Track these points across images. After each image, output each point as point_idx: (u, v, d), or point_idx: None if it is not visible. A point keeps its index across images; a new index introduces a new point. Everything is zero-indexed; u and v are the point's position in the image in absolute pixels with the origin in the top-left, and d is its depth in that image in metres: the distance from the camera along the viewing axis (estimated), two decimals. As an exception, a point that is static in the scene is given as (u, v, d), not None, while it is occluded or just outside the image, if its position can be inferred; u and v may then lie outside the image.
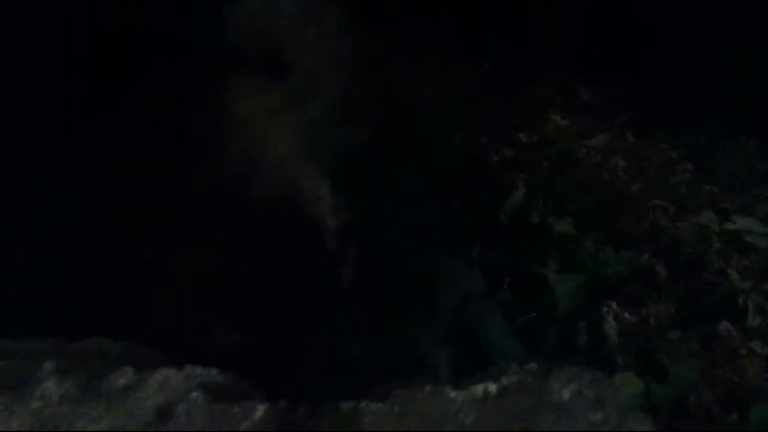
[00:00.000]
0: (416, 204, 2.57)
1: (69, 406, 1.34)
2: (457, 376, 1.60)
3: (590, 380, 1.59)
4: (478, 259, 2.93)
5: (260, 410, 1.37)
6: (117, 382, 1.40)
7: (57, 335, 1.56)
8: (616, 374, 2.19)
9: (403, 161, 2.72)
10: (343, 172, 2.16)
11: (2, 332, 1.66)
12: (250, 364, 1.52)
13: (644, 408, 1.82)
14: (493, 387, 1.53)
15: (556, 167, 3.60)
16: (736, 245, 3.11)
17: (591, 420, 1.47)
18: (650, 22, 3.99)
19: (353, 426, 1.39)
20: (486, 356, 2.17)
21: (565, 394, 1.54)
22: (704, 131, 3.73)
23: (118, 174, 2.09)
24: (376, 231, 2.18)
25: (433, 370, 1.86)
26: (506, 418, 1.47)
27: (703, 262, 2.95)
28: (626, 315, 2.65)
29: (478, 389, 1.53)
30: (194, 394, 1.41)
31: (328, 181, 2.11)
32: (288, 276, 1.79)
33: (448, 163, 3.23)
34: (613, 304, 2.69)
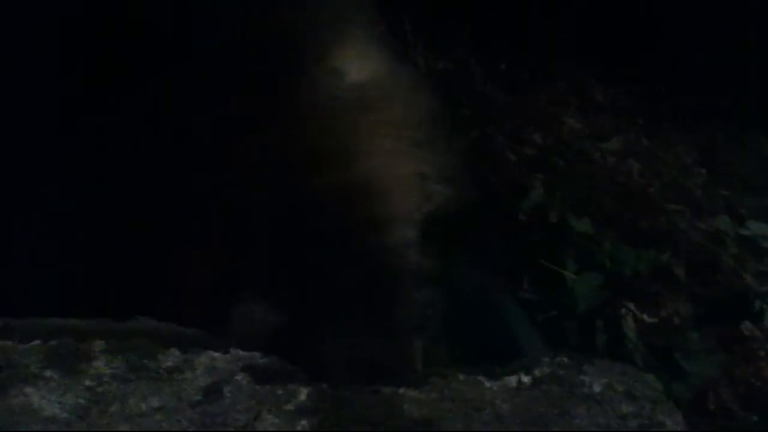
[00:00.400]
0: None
1: (120, 384, 1.38)
2: (490, 367, 1.64)
3: (620, 374, 1.62)
4: (498, 258, 2.97)
5: (303, 392, 1.41)
6: (165, 363, 1.44)
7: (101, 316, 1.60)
8: (637, 373, 2.24)
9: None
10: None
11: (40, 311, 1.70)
12: (291, 348, 1.56)
13: (672, 405, 1.85)
14: (526, 378, 1.56)
15: (573, 168, 3.63)
16: (752, 250, 3.14)
17: (623, 411, 1.50)
18: (664, 20, 4.01)
19: (394, 410, 1.43)
20: (510, 352, 2.19)
21: (597, 387, 1.57)
22: (721, 131, 3.76)
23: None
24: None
25: (461, 361, 1.89)
26: (541, 406, 1.50)
27: (719, 265, 2.99)
28: (645, 316, 2.69)
29: (512, 379, 1.56)
30: (239, 376, 1.44)
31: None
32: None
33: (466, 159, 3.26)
34: (632, 304, 2.73)
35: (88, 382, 1.37)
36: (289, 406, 1.39)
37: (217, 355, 1.46)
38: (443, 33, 4.21)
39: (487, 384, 1.59)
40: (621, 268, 2.89)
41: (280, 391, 1.41)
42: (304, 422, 1.38)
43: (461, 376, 1.62)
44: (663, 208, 3.27)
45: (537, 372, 1.63)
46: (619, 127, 4.10)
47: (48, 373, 1.44)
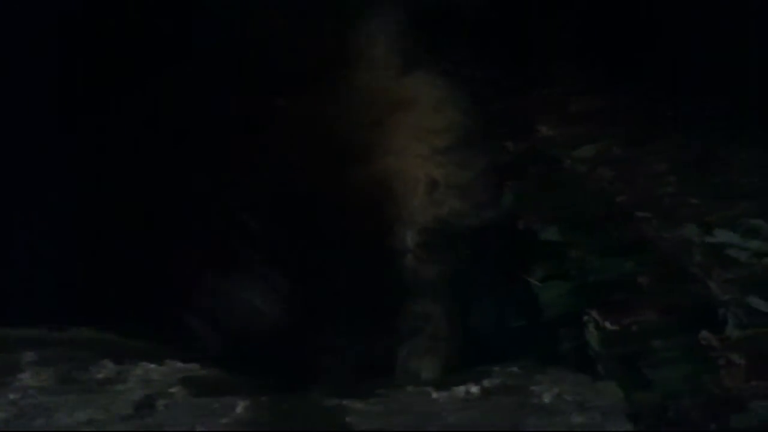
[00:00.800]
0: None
1: (47, 397, 1.33)
2: (440, 378, 1.60)
3: (572, 384, 1.59)
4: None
5: (241, 405, 1.36)
6: (97, 374, 1.39)
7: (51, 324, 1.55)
8: (598, 381, 2.22)
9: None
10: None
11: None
12: (236, 358, 1.51)
13: (626, 415, 1.83)
14: (475, 388, 1.53)
15: (544, 176, 3.62)
16: (718, 258, 3.13)
17: (573, 422, 1.47)
18: (643, 30, 4.02)
19: (337, 423, 1.39)
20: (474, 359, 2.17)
21: (547, 397, 1.54)
22: (696, 142, 3.76)
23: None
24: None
25: (416, 371, 1.86)
26: (488, 418, 1.47)
27: (685, 273, 2.98)
28: (607, 324, 2.67)
29: (461, 390, 1.53)
30: (175, 388, 1.39)
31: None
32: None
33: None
34: (594, 312, 2.71)
35: (12, 396, 1.31)
36: (225, 420, 1.35)
37: (152, 366, 1.41)
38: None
39: (435, 395, 1.56)
40: (587, 277, 2.87)
41: (216, 404, 1.36)
42: (239, 437, 1.34)
43: (409, 388, 1.59)
44: (631, 217, 3.26)
45: (486, 383, 1.60)
46: (592, 136, 4.10)
47: (-30, 386, 1.38)
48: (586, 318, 2.64)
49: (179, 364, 1.43)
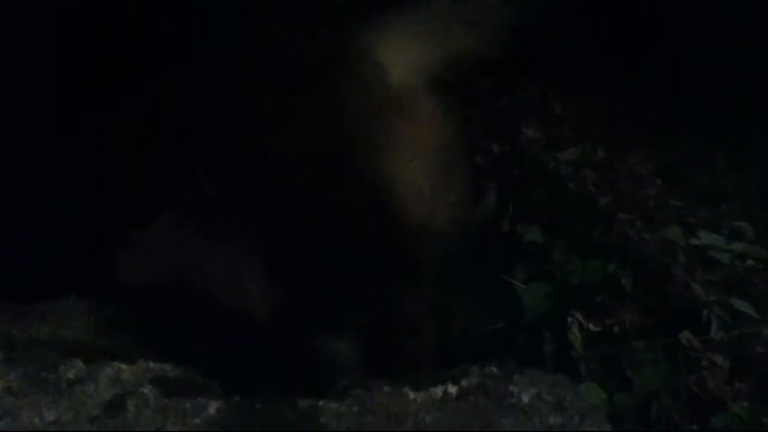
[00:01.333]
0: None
1: (13, 398, 1.30)
2: (416, 378, 1.58)
3: (551, 385, 1.58)
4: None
5: (213, 406, 1.34)
6: (65, 374, 1.36)
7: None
8: (580, 382, 2.21)
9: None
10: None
11: None
12: (207, 358, 1.49)
13: (607, 416, 1.82)
14: (452, 388, 1.51)
15: (527, 178, 3.62)
16: (701, 260, 3.14)
17: (550, 423, 1.46)
18: (629, 33, 4.03)
19: (311, 424, 1.37)
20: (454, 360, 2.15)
21: (525, 397, 1.53)
22: (681, 144, 3.77)
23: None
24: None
25: (393, 371, 1.84)
26: (465, 418, 1.45)
27: (668, 275, 2.98)
28: (590, 325, 2.67)
29: (438, 390, 1.51)
30: (146, 388, 1.37)
31: None
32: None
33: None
34: (578, 314, 2.70)
35: (-22, 396, 1.29)
36: (197, 420, 1.32)
37: (123, 366, 1.38)
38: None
39: (412, 395, 1.54)
40: (569, 278, 2.87)
41: (188, 404, 1.33)
42: (210, 437, 1.32)
43: (386, 388, 1.57)
44: (614, 219, 3.26)
45: (464, 383, 1.59)
46: (576, 138, 4.10)
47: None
48: (570, 319, 2.64)
49: (151, 364, 1.41)
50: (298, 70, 2.04)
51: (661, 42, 3.88)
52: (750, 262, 3.02)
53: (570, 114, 4.23)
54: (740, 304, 2.76)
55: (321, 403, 1.45)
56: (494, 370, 1.59)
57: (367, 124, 2.05)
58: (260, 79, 2.07)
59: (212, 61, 2.12)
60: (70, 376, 1.38)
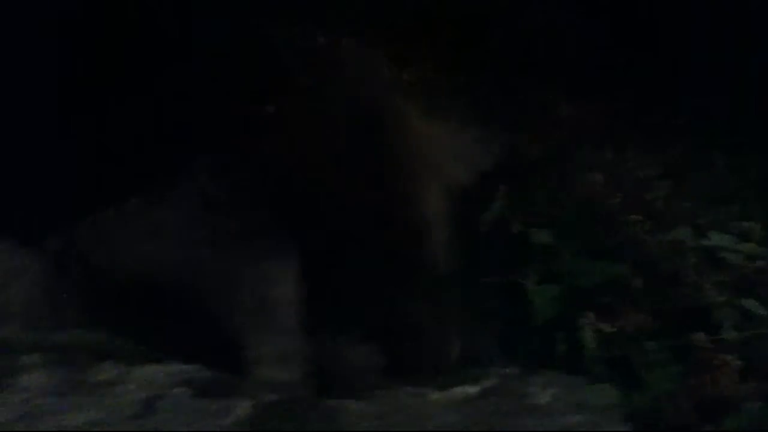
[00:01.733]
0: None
1: (53, 398, 1.34)
2: (437, 379, 1.62)
3: (568, 385, 1.61)
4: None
5: (242, 407, 1.38)
6: (99, 376, 1.40)
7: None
8: (593, 383, 2.24)
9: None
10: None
11: None
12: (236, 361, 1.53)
13: (622, 415, 1.85)
14: (473, 389, 1.54)
15: (536, 180, 3.64)
16: (711, 261, 3.16)
17: (569, 422, 1.49)
18: (631, 37, 4.04)
19: (338, 424, 1.40)
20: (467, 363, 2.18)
21: (544, 398, 1.56)
22: (689, 145, 3.78)
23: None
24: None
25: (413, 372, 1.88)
26: (486, 418, 1.49)
27: (678, 276, 3.00)
28: (602, 326, 2.69)
29: (458, 391, 1.54)
30: (177, 390, 1.41)
31: None
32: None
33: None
34: (591, 315, 2.72)
35: (21, 396, 1.32)
36: (227, 420, 1.36)
37: (154, 368, 1.42)
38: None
39: (434, 396, 1.57)
40: (580, 279, 2.89)
41: (218, 405, 1.37)
42: (240, 437, 1.35)
43: (409, 388, 1.60)
44: (623, 220, 3.28)
45: (485, 383, 1.62)
46: (583, 140, 4.11)
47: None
48: (581, 321, 2.66)
49: (181, 366, 1.44)
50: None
51: (661, 42, 3.90)
52: (759, 262, 3.03)
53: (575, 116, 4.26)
54: (751, 305, 2.78)
55: (344, 403, 1.49)
56: (511, 372, 1.63)
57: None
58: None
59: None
60: (102, 378, 1.42)
